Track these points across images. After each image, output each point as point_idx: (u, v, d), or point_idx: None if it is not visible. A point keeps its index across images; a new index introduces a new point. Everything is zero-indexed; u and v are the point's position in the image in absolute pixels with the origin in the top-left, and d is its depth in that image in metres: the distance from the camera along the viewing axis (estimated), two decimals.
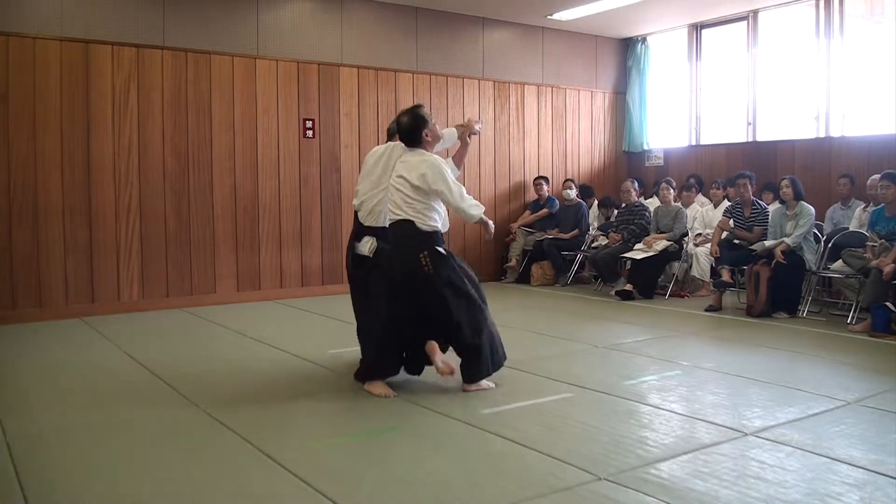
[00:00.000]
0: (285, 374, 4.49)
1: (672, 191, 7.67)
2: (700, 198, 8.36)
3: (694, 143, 9.43)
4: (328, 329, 5.96)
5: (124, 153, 6.72)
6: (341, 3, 7.81)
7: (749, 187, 6.77)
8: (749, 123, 8.75)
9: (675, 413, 3.66)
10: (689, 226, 7.71)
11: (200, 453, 3.16)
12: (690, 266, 7.66)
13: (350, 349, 4.93)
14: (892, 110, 7.41)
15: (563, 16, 8.64)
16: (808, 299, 6.47)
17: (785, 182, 6.46)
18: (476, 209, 4.06)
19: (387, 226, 4.15)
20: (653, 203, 8.15)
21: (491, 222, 4.21)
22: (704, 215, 8.02)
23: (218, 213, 7.19)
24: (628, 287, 7.41)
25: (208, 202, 7.14)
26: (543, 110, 9.37)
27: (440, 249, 3.97)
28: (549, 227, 8.76)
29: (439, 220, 4.06)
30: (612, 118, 10.03)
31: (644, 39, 9.76)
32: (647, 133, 9.83)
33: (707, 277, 7.55)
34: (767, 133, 8.64)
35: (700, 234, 7.80)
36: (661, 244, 7.41)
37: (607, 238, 8.09)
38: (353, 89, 7.90)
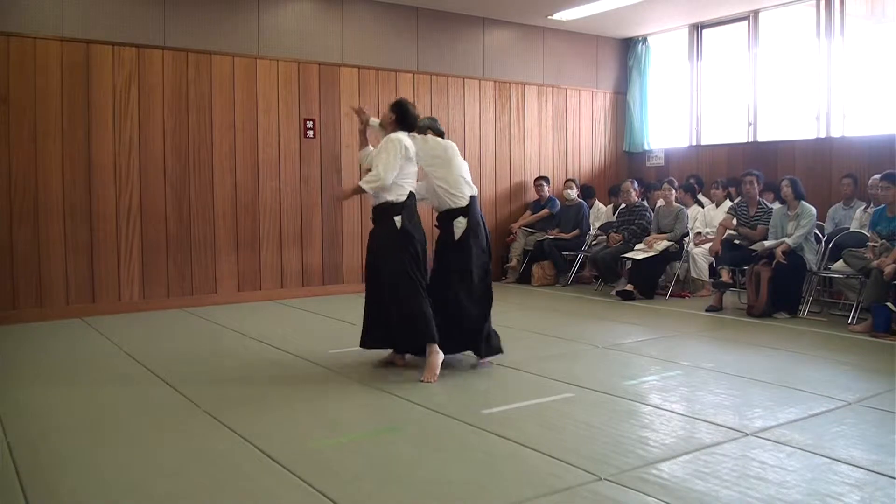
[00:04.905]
0: (285, 374, 4.49)
1: (674, 191, 7.67)
2: (700, 197, 8.37)
3: (695, 143, 9.42)
4: (328, 329, 5.96)
5: (125, 153, 6.72)
6: (342, 3, 7.81)
7: (756, 185, 6.76)
8: (750, 124, 8.75)
9: (676, 413, 3.66)
10: (689, 226, 7.70)
11: (201, 453, 3.16)
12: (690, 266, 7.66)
13: (350, 349, 4.94)
14: (893, 110, 7.41)
15: (564, 16, 8.64)
16: (808, 299, 6.46)
17: (784, 183, 6.47)
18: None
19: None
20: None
21: (347, 191, 4.74)
22: (705, 215, 8.02)
23: (218, 212, 7.19)
24: (629, 287, 7.41)
25: (209, 202, 7.14)
26: (544, 110, 9.37)
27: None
28: (550, 227, 8.75)
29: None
30: (613, 118, 10.02)
31: (645, 39, 9.76)
32: (648, 133, 9.83)
33: (705, 278, 7.55)
34: (768, 133, 8.63)
35: (700, 234, 7.80)
36: (662, 244, 7.41)
37: (608, 238, 8.09)
38: (353, 89, 7.90)
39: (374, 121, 4.85)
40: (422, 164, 4.59)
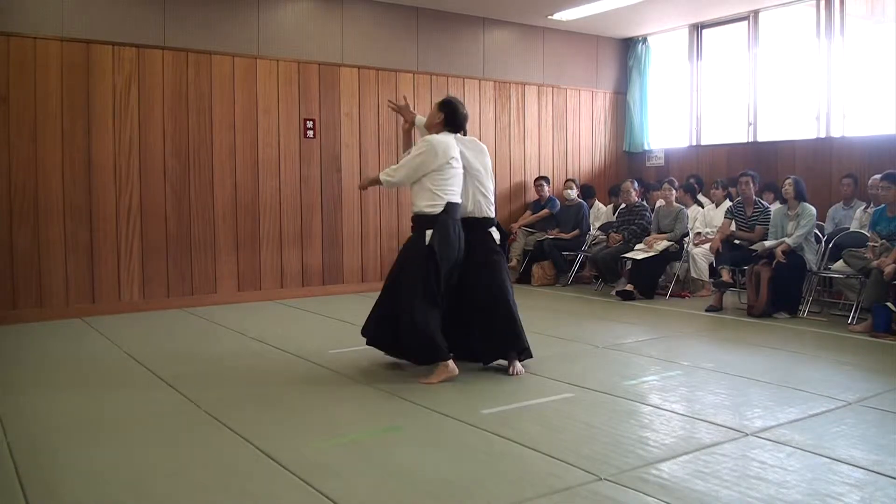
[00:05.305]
0: (285, 374, 4.49)
1: (674, 191, 7.67)
2: (700, 197, 8.38)
3: (695, 143, 9.42)
4: (328, 329, 5.96)
5: (125, 153, 6.72)
6: (342, 3, 7.81)
7: (751, 185, 6.77)
8: (750, 124, 8.75)
9: (676, 413, 3.66)
10: (689, 226, 7.70)
11: (201, 453, 3.16)
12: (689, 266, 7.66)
13: (350, 349, 4.95)
14: (893, 110, 7.41)
15: (564, 16, 8.64)
16: (808, 299, 6.46)
17: (788, 181, 6.47)
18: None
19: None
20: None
21: (366, 180, 4.65)
22: (705, 215, 8.02)
23: (219, 212, 7.19)
24: (629, 287, 7.41)
25: (209, 202, 7.14)
26: (544, 110, 9.37)
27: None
28: (550, 227, 8.76)
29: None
30: (613, 118, 10.02)
31: (645, 39, 9.76)
32: (648, 133, 9.83)
33: (705, 278, 7.55)
34: (768, 133, 8.63)
35: (700, 234, 7.80)
36: (662, 244, 7.41)
37: (608, 238, 8.09)
38: (353, 89, 7.90)
39: (421, 119, 4.63)
40: (467, 165, 4.41)
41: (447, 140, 4.30)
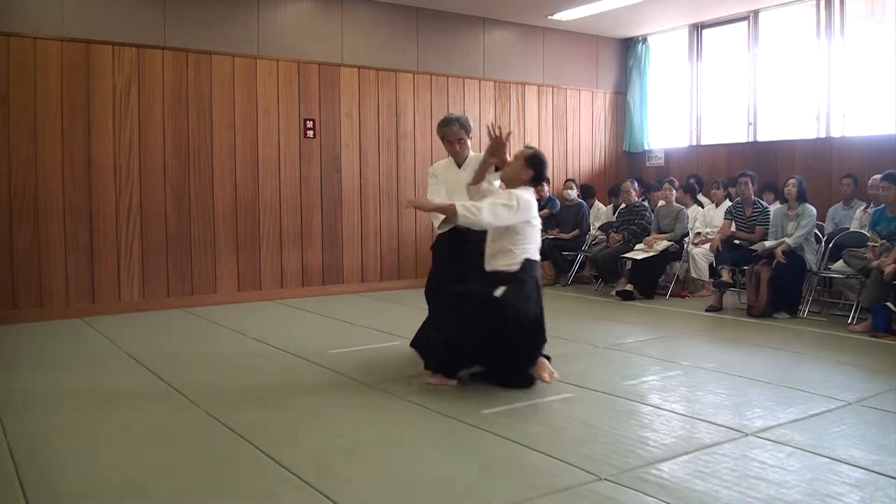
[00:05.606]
0: (285, 374, 4.50)
1: (674, 191, 7.67)
2: (700, 197, 8.38)
3: (695, 143, 9.42)
4: (328, 329, 5.96)
5: (125, 153, 6.72)
6: (342, 3, 7.81)
7: (750, 185, 6.78)
8: (750, 124, 8.75)
9: (676, 413, 3.66)
10: (689, 226, 7.70)
11: (201, 453, 3.16)
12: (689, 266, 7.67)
13: (350, 349, 4.94)
14: (893, 110, 7.41)
15: (564, 16, 8.64)
16: (808, 299, 6.46)
17: (791, 182, 6.47)
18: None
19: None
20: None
21: (430, 205, 4.34)
22: (705, 215, 8.02)
23: (219, 212, 7.19)
24: (629, 287, 7.41)
25: (209, 202, 7.14)
26: (544, 110, 9.37)
27: None
28: (550, 227, 8.75)
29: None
30: (613, 118, 10.02)
31: (645, 39, 9.76)
32: (648, 133, 9.83)
33: (705, 278, 7.55)
34: (768, 133, 8.63)
35: (700, 234, 7.80)
36: (662, 244, 7.41)
37: (608, 238, 8.09)
38: (353, 89, 7.90)
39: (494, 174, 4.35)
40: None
41: (530, 198, 4.13)
